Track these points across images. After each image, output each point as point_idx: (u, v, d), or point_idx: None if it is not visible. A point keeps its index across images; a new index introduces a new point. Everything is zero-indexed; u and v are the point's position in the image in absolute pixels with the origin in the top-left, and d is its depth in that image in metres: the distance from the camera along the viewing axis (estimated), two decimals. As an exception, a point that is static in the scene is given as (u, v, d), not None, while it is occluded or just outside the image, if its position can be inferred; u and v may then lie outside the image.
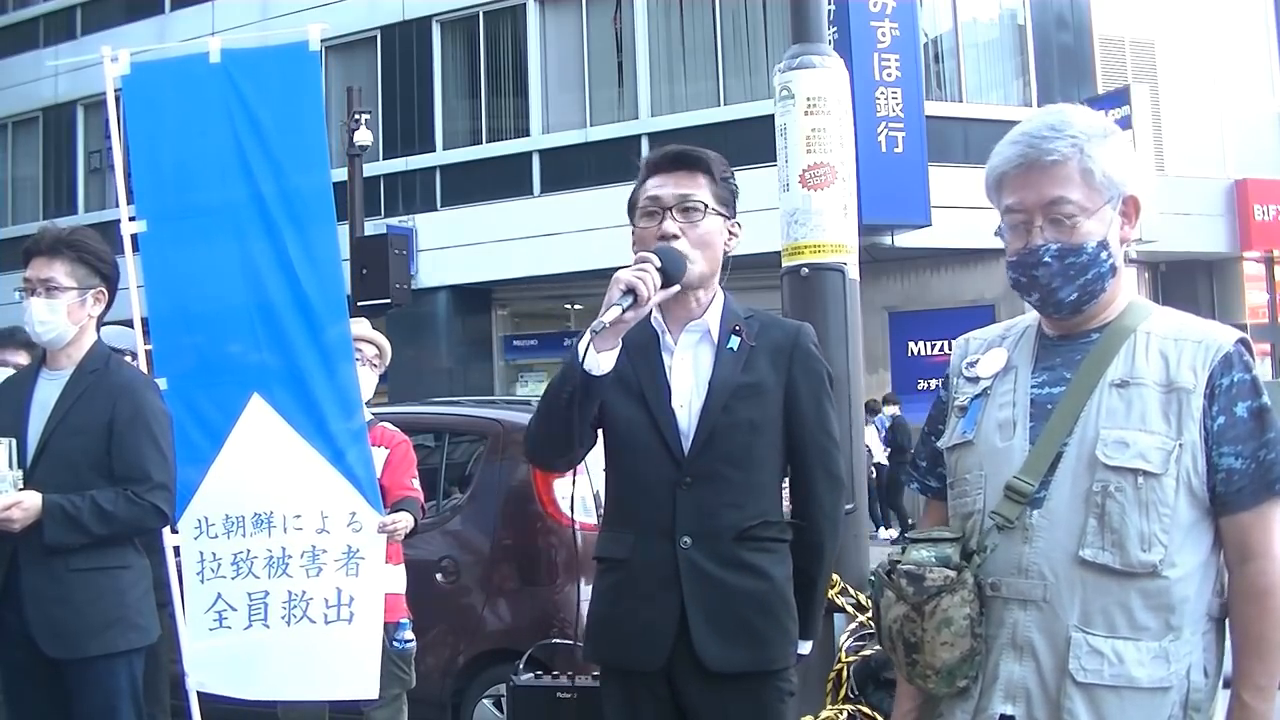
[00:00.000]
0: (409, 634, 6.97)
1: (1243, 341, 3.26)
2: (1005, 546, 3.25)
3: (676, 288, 4.01)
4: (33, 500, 5.13)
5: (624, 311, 3.83)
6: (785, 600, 4.20)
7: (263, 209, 6.28)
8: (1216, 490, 3.16)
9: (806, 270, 5.70)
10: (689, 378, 4.20)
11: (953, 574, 3.23)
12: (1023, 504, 3.23)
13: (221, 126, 6.36)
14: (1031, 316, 3.54)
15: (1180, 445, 3.14)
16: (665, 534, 4.10)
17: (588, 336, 3.85)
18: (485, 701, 7.98)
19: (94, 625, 5.25)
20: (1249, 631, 3.16)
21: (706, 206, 4.18)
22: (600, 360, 3.88)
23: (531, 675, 5.14)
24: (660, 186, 4.19)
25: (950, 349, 3.71)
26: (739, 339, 4.22)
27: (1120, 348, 3.28)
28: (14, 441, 5.26)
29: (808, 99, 5.69)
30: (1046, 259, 3.25)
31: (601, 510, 4.59)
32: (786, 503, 4.39)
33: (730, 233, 4.27)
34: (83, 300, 5.46)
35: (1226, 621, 3.23)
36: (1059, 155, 3.23)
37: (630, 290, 3.84)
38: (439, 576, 8.17)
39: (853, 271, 5.78)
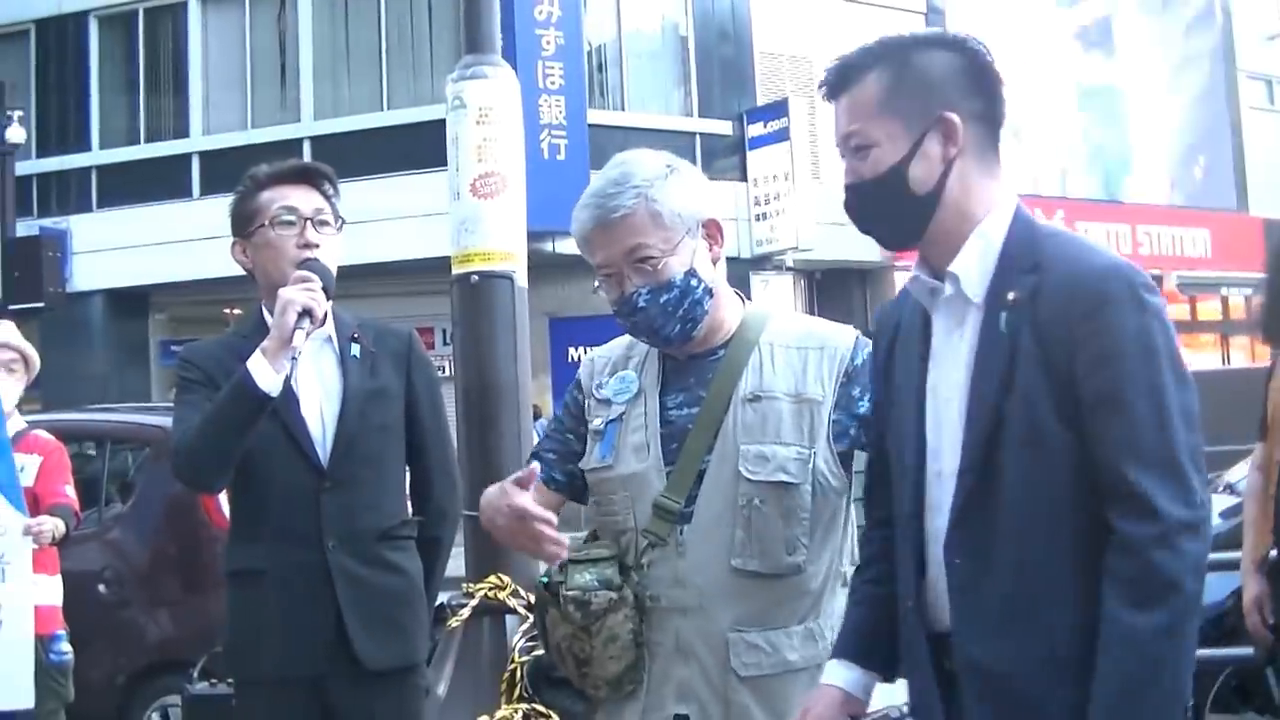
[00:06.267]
0: (65, 646, 6.79)
1: (859, 338, 3.48)
2: (661, 562, 3.39)
3: (331, 301, 4.11)
4: None
5: (306, 334, 3.92)
6: (420, 594, 4.40)
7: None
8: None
9: (476, 278, 5.77)
10: (316, 386, 4.28)
11: (615, 594, 3.36)
12: (671, 521, 3.37)
13: None
14: None
15: (814, 453, 3.34)
16: (311, 540, 4.17)
17: (270, 362, 3.91)
18: (153, 715, 7.84)
19: None
20: None
21: (341, 222, 4.31)
22: (277, 381, 3.92)
23: (206, 684, 5.09)
24: (291, 198, 4.25)
25: None
26: (359, 346, 4.34)
27: (747, 362, 3.44)
28: None
29: (479, 109, 5.77)
30: (641, 304, 3.38)
31: None
32: None
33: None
34: None
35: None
36: (625, 209, 3.35)
37: (307, 311, 3.92)
38: (101, 587, 8.00)
39: (521, 279, 5.87)
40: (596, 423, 3.58)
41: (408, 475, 4.57)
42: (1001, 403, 2.70)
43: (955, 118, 2.80)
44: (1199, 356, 31.46)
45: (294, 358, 3.91)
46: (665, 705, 3.39)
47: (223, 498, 7.14)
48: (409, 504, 4.56)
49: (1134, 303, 2.64)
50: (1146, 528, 2.56)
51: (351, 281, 4.36)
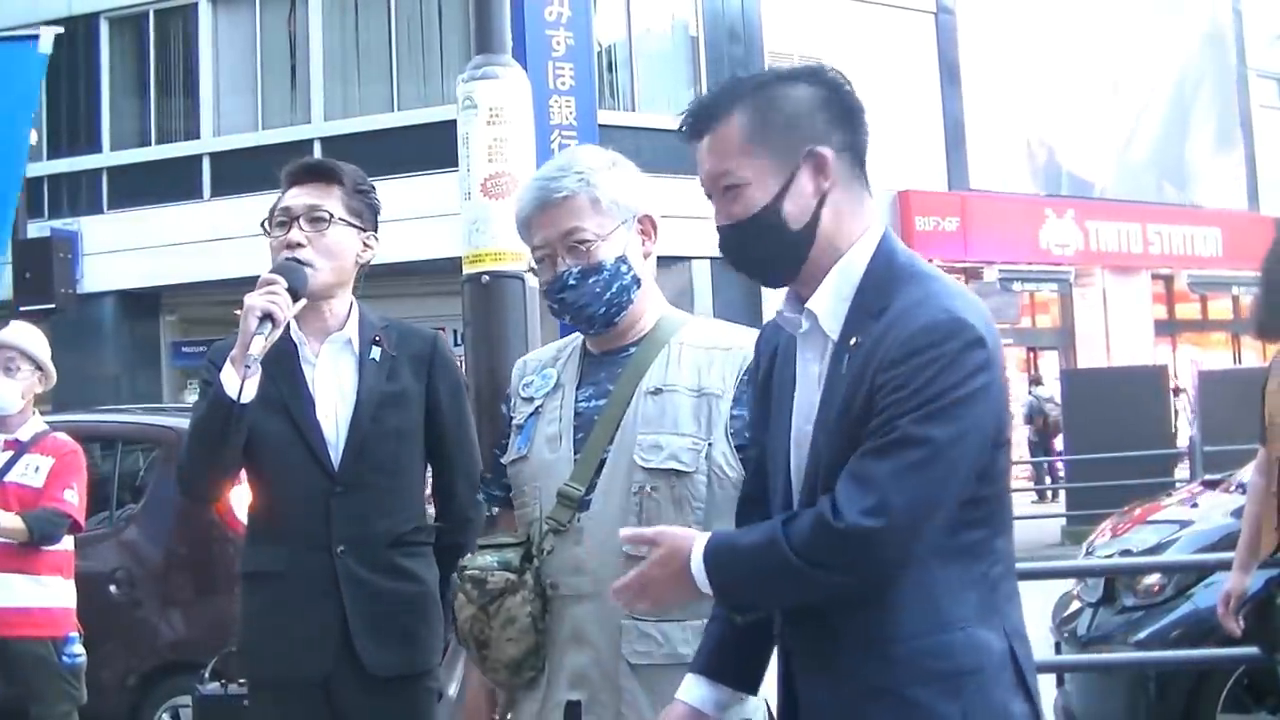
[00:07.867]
0: (78, 648, 6.80)
1: None
2: (561, 549, 3.51)
3: (304, 301, 4.09)
4: None
5: (266, 339, 3.90)
6: (435, 601, 4.34)
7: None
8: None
9: (487, 278, 5.78)
10: (333, 389, 4.27)
11: (513, 576, 3.48)
12: (572, 508, 3.50)
13: None
14: (579, 336, 3.76)
15: (710, 444, 3.45)
16: (320, 544, 4.16)
17: (235, 369, 3.91)
18: (164, 716, 7.86)
19: None
20: None
21: (333, 216, 4.24)
22: (248, 388, 3.92)
23: (217, 685, 5.08)
24: (293, 197, 4.27)
25: None
26: (380, 349, 4.32)
27: (655, 358, 3.57)
28: None
29: (490, 109, 5.78)
30: (571, 282, 3.53)
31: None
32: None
33: (365, 245, 4.35)
34: None
35: None
36: (567, 190, 3.52)
37: (268, 316, 3.91)
38: (112, 588, 8.01)
39: (532, 280, 5.88)
40: (519, 418, 3.72)
41: (429, 480, 4.56)
42: (830, 442, 2.76)
43: (827, 151, 2.83)
44: (1210, 356, 31.45)
45: (249, 365, 3.85)
46: (559, 693, 3.51)
47: (237, 500, 7.19)
48: (429, 509, 4.54)
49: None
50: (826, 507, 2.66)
51: (362, 282, 4.36)
